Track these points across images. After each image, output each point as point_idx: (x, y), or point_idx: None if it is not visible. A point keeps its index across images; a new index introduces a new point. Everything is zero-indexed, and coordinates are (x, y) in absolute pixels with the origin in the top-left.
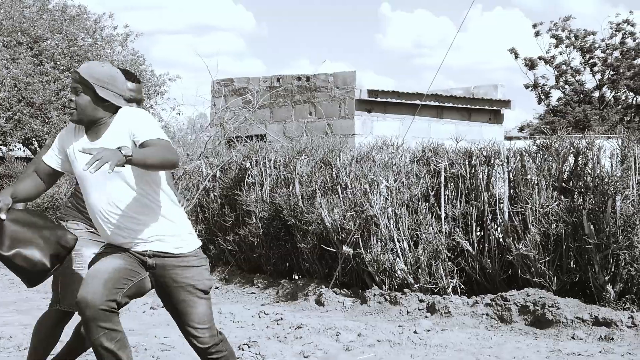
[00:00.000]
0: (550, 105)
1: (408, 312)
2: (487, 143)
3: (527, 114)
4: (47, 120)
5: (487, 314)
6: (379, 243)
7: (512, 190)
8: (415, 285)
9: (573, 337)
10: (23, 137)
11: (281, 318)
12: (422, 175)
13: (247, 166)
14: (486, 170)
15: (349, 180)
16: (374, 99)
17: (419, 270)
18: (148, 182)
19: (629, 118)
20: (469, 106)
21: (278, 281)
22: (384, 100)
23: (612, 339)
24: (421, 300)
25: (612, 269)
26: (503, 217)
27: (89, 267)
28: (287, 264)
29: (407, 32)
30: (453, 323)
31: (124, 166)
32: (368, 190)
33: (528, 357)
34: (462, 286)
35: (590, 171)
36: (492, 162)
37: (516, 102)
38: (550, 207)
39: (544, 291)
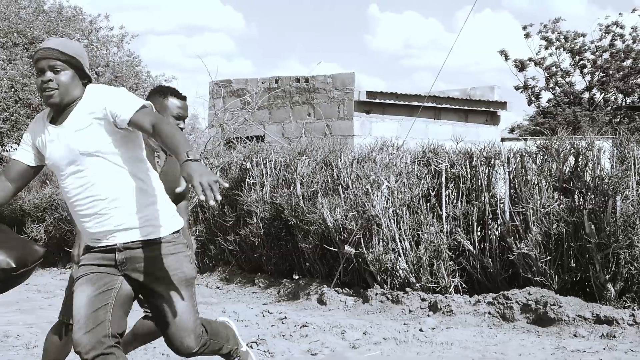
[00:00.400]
0: (540, 107)
1: (410, 311)
2: (487, 144)
3: (517, 115)
4: None
5: (489, 313)
6: (381, 243)
7: (512, 191)
8: (417, 285)
9: (575, 335)
10: (20, 138)
11: (285, 317)
12: (423, 176)
13: (247, 167)
14: (487, 171)
15: (350, 181)
16: (372, 100)
17: (421, 269)
18: (128, 162)
19: (618, 119)
20: (466, 107)
21: (279, 281)
22: (382, 101)
23: (614, 336)
24: (423, 299)
25: (613, 268)
26: (504, 217)
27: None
28: (288, 264)
29: (396, 33)
30: (455, 321)
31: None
32: (370, 190)
33: (534, 354)
34: (464, 285)
35: (590, 171)
36: (492, 162)
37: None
38: (551, 207)
39: (546, 290)
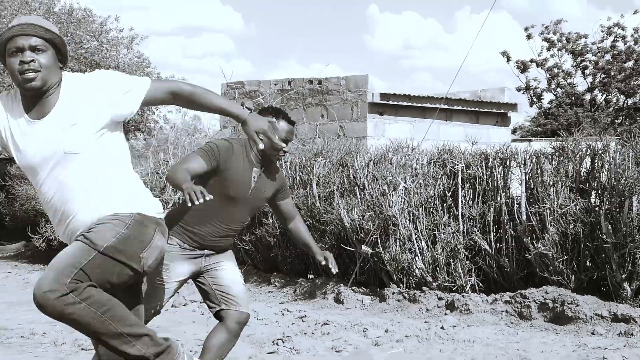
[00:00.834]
0: (542, 108)
1: (427, 310)
2: (502, 145)
3: (518, 116)
4: None
5: (506, 311)
6: (398, 242)
7: (528, 191)
8: (434, 284)
9: (593, 333)
10: None
11: (305, 315)
12: (439, 177)
13: None
14: (502, 172)
15: (366, 182)
16: (385, 102)
17: (437, 269)
18: (109, 159)
19: (619, 121)
20: (477, 109)
21: (295, 280)
22: (395, 103)
23: (632, 334)
24: (440, 298)
25: (629, 268)
26: (521, 217)
27: None
28: (303, 264)
29: (396, 34)
30: (473, 320)
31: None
32: (386, 191)
33: (556, 352)
34: (480, 284)
35: (606, 173)
36: (508, 164)
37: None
38: (568, 207)
39: (562, 289)
